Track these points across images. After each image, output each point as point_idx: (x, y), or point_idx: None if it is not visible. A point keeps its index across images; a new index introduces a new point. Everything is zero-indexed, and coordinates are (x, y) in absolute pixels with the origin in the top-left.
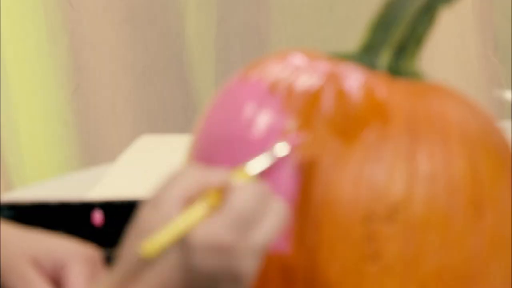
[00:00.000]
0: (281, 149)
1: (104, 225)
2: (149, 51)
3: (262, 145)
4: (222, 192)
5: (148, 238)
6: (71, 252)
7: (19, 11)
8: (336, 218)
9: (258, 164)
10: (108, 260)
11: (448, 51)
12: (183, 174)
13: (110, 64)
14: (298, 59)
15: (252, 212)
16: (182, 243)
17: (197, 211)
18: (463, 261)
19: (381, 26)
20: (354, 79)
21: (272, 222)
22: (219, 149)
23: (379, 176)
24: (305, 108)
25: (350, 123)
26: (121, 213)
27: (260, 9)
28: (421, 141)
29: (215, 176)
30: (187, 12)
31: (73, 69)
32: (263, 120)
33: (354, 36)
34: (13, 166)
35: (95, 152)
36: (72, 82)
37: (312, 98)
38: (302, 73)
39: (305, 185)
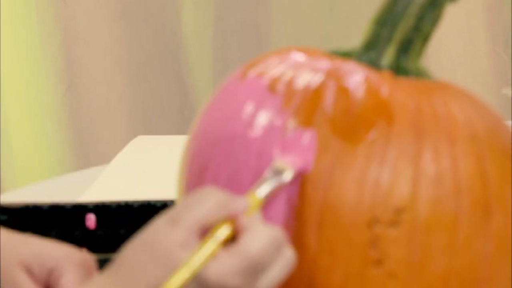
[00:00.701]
0: (288, 174)
1: (97, 228)
2: (145, 48)
3: (261, 144)
4: (236, 224)
5: (167, 282)
6: (64, 257)
7: (10, 6)
8: (339, 221)
9: (265, 189)
10: (102, 264)
11: (455, 48)
12: (204, 197)
13: (104, 62)
14: (298, 57)
15: (264, 259)
16: (197, 279)
17: (211, 247)
18: (470, 265)
19: (384, 22)
20: (357, 78)
21: (280, 270)
22: (217, 148)
23: (383, 177)
24: (306, 106)
25: (353, 122)
26: (115, 216)
27: (259, 6)
28: (427, 141)
29: (233, 205)
30: (184, 9)
31: (65, 67)
32: (263, 118)
33: (355, 34)
34: (3, 168)
35: (88, 153)
36: (65, 80)
37: (313, 96)
38: (302, 71)
39: (305, 187)
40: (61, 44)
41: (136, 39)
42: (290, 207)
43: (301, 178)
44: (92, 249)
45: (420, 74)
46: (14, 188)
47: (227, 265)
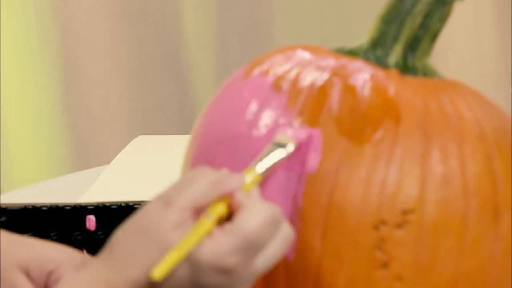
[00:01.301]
0: (289, 146)
1: (97, 229)
2: (145, 48)
3: (265, 144)
4: (232, 202)
5: (159, 263)
6: (64, 260)
7: (8, 6)
8: (344, 222)
9: (265, 163)
10: None
11: (463, 46)
12: (197, 177)
13: (103, 62)
14: (303, 55)
15: (261, 238)
16: (190, 259)
17: (205, 226)
18: (479, 267)
19: (391, 20)
20: (363, 76)
21: (277, 248)
22: (220, 148)
23: (390, 178)
24: (311, 105)
25: (360, 122)
26: (115, 217)
27: (260, 4)
28: (434, 141)
29: (227, 184)
30: (184, 7)
31: (64, 67)
32: (267, 117)
33: (359, 32)
34: (2, 169)
35: (88, 153)
36: (64, 80)
37: (319, 95)
38: (307, 69)
39: (310, 187)
40: (60, 43)
41: (136, 39)
42: (295, 208)
43: (306, 179)
44: (92, 251)
45: (427, 72)
46: (13, 189)
47: (221, 244)
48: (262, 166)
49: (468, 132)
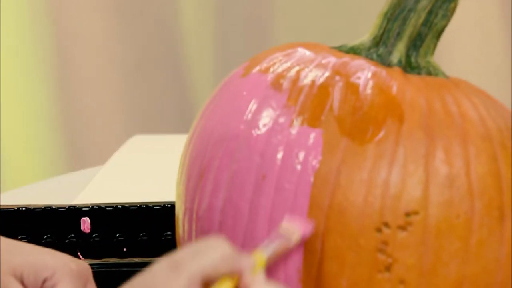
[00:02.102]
0: (295, 238)
1: (92, 232)
2: (141, 44)
3: (265, 144)
4: (239, 282)
5: None
6: (59, 267)
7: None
8: (346, 225)
9: (271, 249)
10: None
11: (468, 44)
12: (211, 247)
13: (98, 59)
14: (303, 53)
15: None
16: None
17: None
18: (484, 270)
19: (394, 17)
20: (365, 74)
21: None
22: (218, 147)
23: (392, 179)
24: (312, 104)
25: (362, 121)
26: (110, 220)
27: (261, 0)
28: (438, 141)
29: (239, 262)
30: (182, 3)
31: (58, 64)
32: (267, 117)
33: (361, 29)
34: None
35: (82, 154)
36: (57, 78)
37: (320, 94)
38: (308, 67)
39: (311, 189)
40: (53, 41)
41: (132, 35)
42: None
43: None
44: (87, 254)
45: (431, 71)
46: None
47: None
48: (268, 252)
49: (473, 132)
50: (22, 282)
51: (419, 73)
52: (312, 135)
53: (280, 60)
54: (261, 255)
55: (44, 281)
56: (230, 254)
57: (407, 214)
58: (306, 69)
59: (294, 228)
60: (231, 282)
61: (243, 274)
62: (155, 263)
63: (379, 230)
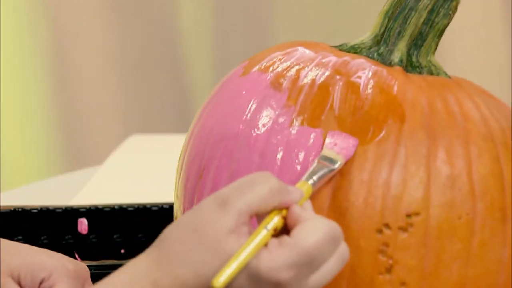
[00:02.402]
0: (339, 162)
1: (90, 233)
2: (139, 43)
3: (265, 143)
4: (289, 215)
5: (218, 274)
6: (56, 268)
7: None
8: (347, 226)
9: (316, 177)
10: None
11: (470, 43)
12: (259, 182)
13: (96, 58)
14: (303, 52)
15: (319, 255)
16: (249, 270)
17: (263, 236)
18: (487, 272)
19: (395, 16)
20: (366, 74)
21: (332, 267)
22: (218, 147)
23: (393, 179)
24: (312, 104)
25: (362, 121)
26: (108, 221)
27: None
28: (440, 141)
29: (288, 195)
30: (181, 1)
31: (55, 63)
32: (266, 116)
33: (362, 28)
34: None
35: (80, 154)
36: (55, 77)
37: (320, 93)
38: (308, 66)
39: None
40: (50, 39)
41: (131, 34)
42: None
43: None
44: (84, 255)
45: (433, 70)
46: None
47: (280, 258)
48: (314, 180)
49: (475, 132)
50: (19, 283)
51: (420, 73)
52: (312, 135)
53: (280, 59)
54: (308, 186)
55: (42, 281)
56: (277, 188)
57: (408, 215)
58: (306, 69)
59: (334, 153)
60: (280, 215)
61: (291, 206)
62: (202, 201)
63: (379, 231)
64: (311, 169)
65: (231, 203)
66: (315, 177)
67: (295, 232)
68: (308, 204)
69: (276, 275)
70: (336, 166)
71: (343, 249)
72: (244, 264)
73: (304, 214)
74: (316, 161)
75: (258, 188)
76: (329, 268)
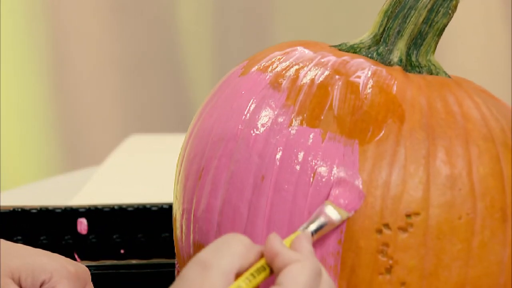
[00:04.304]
0: (340, 216)
1: (89, 233)
2: (138, 42)
3: (264, 144)
4: (275, 261)
5: None
6: (57, 270)
7: None
8: (347, 226)
9: (313, 227)
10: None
11: (471, 42)
12: (232, 241)
13: (95, 57)
14: (302, 52)
15: None
16: None
17: (247, 283)
18: (487, 273)
19: (394, 15)
20: (365, 73)
21: None
22: (217, 147)
23: (393, 180)
24: (311, 104)
25: (362, 121)
26: (107, 221)
27: None
28: (440, 141)
29: (270, 243)
30: (181, 1)
31: (54, 63)
32: (265, 116)
33: (362, 27)
34: None
35: (79, 154)
36: (53, 76)
37: (319, 93)
38: (307, 66)
39: (310, 190)
40: (49, 39)
41: (129, 33)
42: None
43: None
44: (84, 255)
45: (432, 70)
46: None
47: None
48: (310, 229)
49: (475, 132)
50: (19, 285)
51: (420, 72)
52: (312, 135)
53: (279, 59)
54: (297, 233)
55: (42, 283)
56: (250, 242)
57: (408, 215)
58: (305, 68)
59: (339, 207)
60: (264, 264)
61: (273, 253)
62: (183, 270)
63: (379, 231)
64: (310, 219)
65: (214, 265)
66: (311, 227)
67: (280, 279)
68: (305, 245)
69: None
70: (336, 221)
71: (326, 278)
72: None
73: (284, 251)
74: (317, 211)
75: (234, 245)
76: None
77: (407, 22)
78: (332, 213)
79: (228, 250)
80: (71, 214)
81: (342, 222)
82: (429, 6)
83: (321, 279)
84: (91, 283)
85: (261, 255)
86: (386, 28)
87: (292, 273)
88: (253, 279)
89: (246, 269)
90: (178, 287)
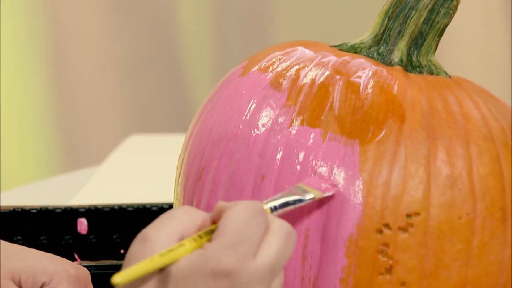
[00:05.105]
0: (309, 196)
1: (89, 233)
2: (138, 42)
3: (264, 144)
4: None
5: (124, 269)
6: (57, 272)
7: None
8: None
9: (277, 202)
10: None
11: (471, 42)
12: (178, 212)
13: (94, 57)
14: (303, 52)
15: (248, 231)
16: (164, 274)
17: (185, 246)
18: (487, 273)
19: (395, 15)
20: (366, 74)
21: (277, 242)
22: (218, 147)
23: (393, 180)
24: (312, 104)
25: (362, 121)
26: (107, 221)
27: None
28: (440, 141)
29: (209, 215)
30: (181, 0)
31: (53, 62)
32: (265, 116)
33: (362, 27)
34: None
35: (79, 154)
36: (53, 76)
37: (319, 93)
38: (307, 66)
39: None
40: (49, 39)
41: (130, 34)
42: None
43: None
44: (84, 255)
45: (433, 70)
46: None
47: (212, 247)
48: (272, 204)
49: (475, 132)
50: (20, 287)
51: (420, 72)
52: (312, 135)
53: (280, 59)
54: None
55: (43, 285)
56: (195, 210)
57: (408, 215)
58: (306, 68)
59: (312, 188)
60: (207, 235)
61: (219, 206)
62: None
63: (380, 231)
64: (278, 194)
65: (154, 235)
66: (277, 203)
67: (219, 224)
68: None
69: (216, 265)
70: (307, 198)
71: (277, 222)
72: (155, 267)
73: (227, 205)
74: (288, 189)
75: (176, 214)
76: (272, 244)
77: (408, 22)
78: (303, 191)
79: (169, 219)
80: (71, 214)
81: (313, 200)
82: (430, 6)
83: (265, 219)
84: (92, 285)
85: (212, 222)
86: (386, 28)
87: (228, 213)
88: (199, 239)
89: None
90: (125, 265)
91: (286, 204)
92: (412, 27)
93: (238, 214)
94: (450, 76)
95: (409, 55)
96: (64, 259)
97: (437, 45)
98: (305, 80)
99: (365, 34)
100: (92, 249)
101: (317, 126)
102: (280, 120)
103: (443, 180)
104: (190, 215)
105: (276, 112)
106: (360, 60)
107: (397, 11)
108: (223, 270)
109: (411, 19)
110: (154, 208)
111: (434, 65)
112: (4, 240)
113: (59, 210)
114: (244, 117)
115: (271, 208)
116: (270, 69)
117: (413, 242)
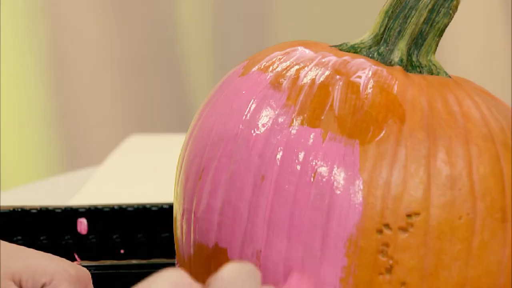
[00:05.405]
0: None
1: (89, 233)
2: (138, 42)
3: (264, 144)
4: None
5: None
6: (58, 273)
7: None
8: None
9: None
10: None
11: (471, 42)
12: (157, 278)
13: (94, 57)
14: (303, 52)
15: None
16: None
17: None
18: (487, 273)
19: (395, 15)
20: (366, 74)
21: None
22: (217, 147)
23: (393, 180)
24: (312, 104)
25: (362, 121)
26: (108, 221)
27: None
28: (440, 141)
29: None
30: (181, 0)
31: (53, 62)
32: (265, 117)
33: (362, 27)
34: None
35: (79, 154)
36: (53, 76)
37: (320, 93)
38: (308, 66)
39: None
40: (49, 39)
41: (130, 33)
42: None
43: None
44: (84, 255)
45: (433, 70)
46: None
47: None
48: None
49: (475, 132)
50: (20, 287)
51: (420, 72)
52: (312, 135)
53: (280, 59)
54: None
55: (43, 286)
56: (183, 282)
57: (409, 215)
58: (306, 68)
59: None
60: None
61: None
62: None
63: (380, 231)
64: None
65: None
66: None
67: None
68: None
69: None
70: None
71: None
72: None
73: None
74: None
75: (163, 275)
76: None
77: (408, 22)
78: None
79: (156, 280)
80: (71, 214)
81: None
82: (430, 6)
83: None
84: (92, 285)
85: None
86: (387, 28)
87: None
88: None
89: None
90: None
91: None
92: (412, 27)
93: (224, 271)
94: (450, 76)
95: (409, 55)
96: (65, 260)
97: (437, 45)
98: (305, 80)
99: (365, 34)
100: (92, 249)
101: (317, 126)
102: (280, 120)
103: (443, 180)
104: (179, 279)
105: (276, 112)
106: (360, 60)
107: (397, 11)
108: None
109: (411, 19)
110: (154, 208)
111: (434, 65)
112: (4, 240)
113: (59, 210)
114: (244, 117)
115: None
116: (270, 69)
117: (413, 242)
